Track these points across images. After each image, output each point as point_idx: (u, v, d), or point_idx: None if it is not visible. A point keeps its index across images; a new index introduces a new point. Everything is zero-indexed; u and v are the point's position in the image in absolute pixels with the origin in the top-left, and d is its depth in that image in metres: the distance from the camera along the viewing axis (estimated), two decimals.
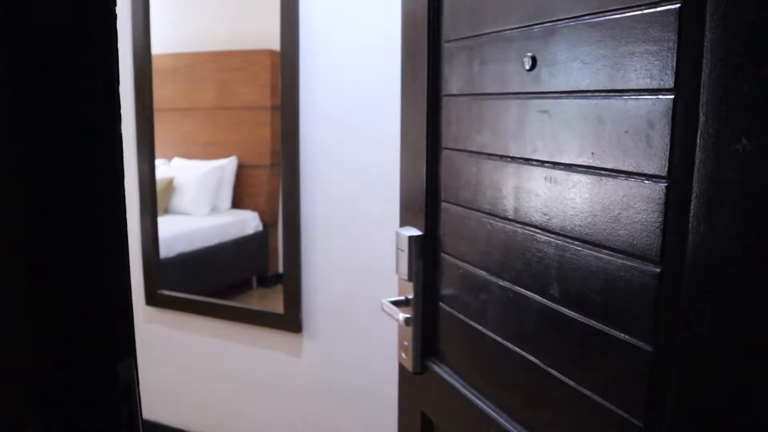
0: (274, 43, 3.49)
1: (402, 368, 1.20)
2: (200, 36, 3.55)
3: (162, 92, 3.73)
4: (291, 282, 1.97)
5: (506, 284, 0.90)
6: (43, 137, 0.45)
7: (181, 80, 3.66)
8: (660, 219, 0.63)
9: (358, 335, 1.92)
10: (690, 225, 0.59)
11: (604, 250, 0.71)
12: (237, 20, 3.47)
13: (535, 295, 0.84)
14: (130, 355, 0.52)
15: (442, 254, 1.08)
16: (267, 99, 3.56)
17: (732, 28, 0.54)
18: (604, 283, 0.72)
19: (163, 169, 3.61)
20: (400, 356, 1.17)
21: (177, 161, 3.72)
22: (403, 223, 1.17)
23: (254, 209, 3.63)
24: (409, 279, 1.10)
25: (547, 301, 0.82)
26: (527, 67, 0.83)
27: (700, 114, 0.57)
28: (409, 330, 1.12)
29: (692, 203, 0.58)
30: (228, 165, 3.61)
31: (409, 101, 1.15)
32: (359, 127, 1.82)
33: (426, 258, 1.10)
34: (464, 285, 1.01)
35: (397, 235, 1.13)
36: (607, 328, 0.72)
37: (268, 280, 3.40)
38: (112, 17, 0.49)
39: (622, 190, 0.69)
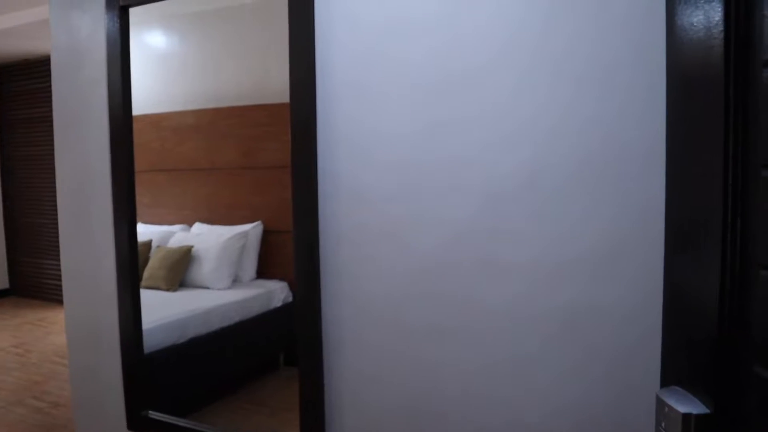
0: None
1: None
2: (223, 91, 3.23)
3: (182, 151, 3.41)
4: (310, 406, 1.52)
5: None
6: None
7: (203, 138, 3.33)
8: None
9: None
10: None
11: None
12: (261, 73, 3.14)
13: None
14: None
15: None
16: None
17: None
18: None
19: (181, 236, 3.26)
20: None
21: (197, 227, 3.36)
22: (668, 379, 0.63)
23: (282, 278, 3.22)
24: None
25: None
26: None
27: None
28: None
29: None
30: (252, 231, 3.24)
31: (677, 170, 0.67)
32: (388, 206, 1.39)
33: None
34: None
35: (658, 402, 0.59)
36: None
37: (297, 357, 2.98)
38: None
39: None
